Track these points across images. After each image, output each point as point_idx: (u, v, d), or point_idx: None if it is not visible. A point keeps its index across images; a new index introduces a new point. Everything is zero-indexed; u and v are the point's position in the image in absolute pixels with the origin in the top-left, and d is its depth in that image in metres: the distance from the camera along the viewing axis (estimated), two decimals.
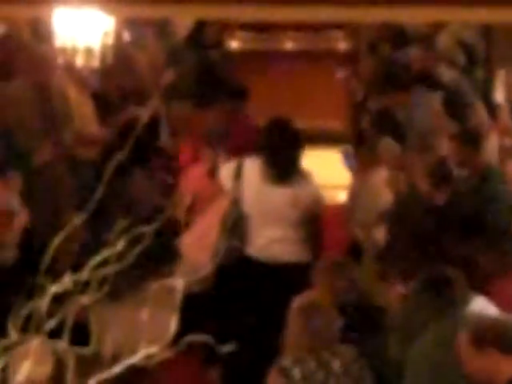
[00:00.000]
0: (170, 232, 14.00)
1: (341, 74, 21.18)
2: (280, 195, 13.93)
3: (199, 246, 14.35)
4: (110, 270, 5.83)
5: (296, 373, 11.24)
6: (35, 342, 6.08)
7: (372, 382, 11.40)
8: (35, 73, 16.12)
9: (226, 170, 14.11)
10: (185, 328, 10.54)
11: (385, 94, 16.99)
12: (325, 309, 11.69)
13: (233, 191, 14.21)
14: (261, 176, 13.84)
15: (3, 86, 15.64)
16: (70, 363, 6.07)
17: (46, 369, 6.57)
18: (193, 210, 14.90)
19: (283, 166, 13.93)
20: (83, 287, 5.78)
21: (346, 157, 18.78)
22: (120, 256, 5.85)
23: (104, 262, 5.76)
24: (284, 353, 11.67)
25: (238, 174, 14.11)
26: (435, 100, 15.99)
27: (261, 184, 13.98)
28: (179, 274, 13.37)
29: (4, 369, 5.95)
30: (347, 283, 12.34)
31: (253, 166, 14.01)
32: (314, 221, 14.33)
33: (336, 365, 11.35)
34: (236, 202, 14.19)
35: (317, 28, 22.44)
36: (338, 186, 17.79)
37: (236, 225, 14.38)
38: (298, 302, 11.55)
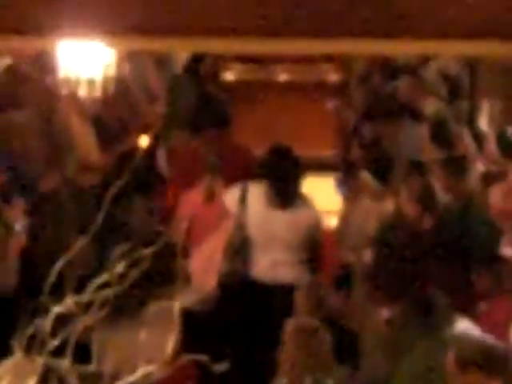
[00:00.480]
0: (169, 255, 12.88)
1: (331, 104, 21.30)
2: (283, 220, 14.52)
3: (205, 268, 14.75)
4: (110, 291, 6.03)
5: None
6: (17, 359, 6.34)
7: None
8: (40, 103, 16.21)
9: (231, 195, 14.57)
10: (187, 347, 11.01)
11: (374, 124, 17.23)
12: (320, 330, 12.01)
13: (237, 215, 14.64)
14: (265, 201, 14.46)
15: (10, 115, 15.55)
16: (73, 381, 6.14)
17: None
18: (190, 233, 14.95)
19: (286, 192, 14.49)
20: (85, 308, 5.97)
21: (340, 184, 18.93)
22: (120, 278, 6.11)
23: (105, 284, 5.94)
24: (280, 373, 11.78)
25: (242, 199, 14.68)
26: (422, 130, 16.49)
27: (264, 209, 14.59)
28: (184, 295, 12.84)
29: None
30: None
31: (256, 192, 14.55)
32: (314, 244, 14.86)
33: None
34: (240, 226, 14.55)
35: (309, 60, 22.81)
36: (332, 212, 17.89)
37: (240, 248, 14.84)
38: (293, 323, 12.05)
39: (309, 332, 12.15)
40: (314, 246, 14.88)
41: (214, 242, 14.80)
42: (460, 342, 11.03)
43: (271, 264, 14.61)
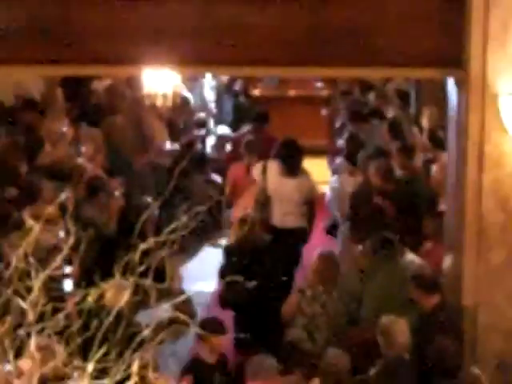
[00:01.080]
0: (217, 210, 14.50)
1: (324, 111, 20.95)
2: (290, 185, 14.49)
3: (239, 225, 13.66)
4: (177, 235, 5.48)
5: (308, 292, 11.54)
6: (117, 279, 5.75)
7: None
8: (131, 111, 16.71)
9: (257, 169, 14.67)
10: (228, 268, 12.37)
11: (353, 124, 16.99)
12: (335, 257, 12.22)
13: (261, 182, 14.58)
14: (278, 172, 14.49)
15: (112, 119, 15.88)
16: (153, 293, 5.60)
17: (123, 297, 5.85)
18: (234, 193, 14.98)
19: (292, 167, 14.44)
20: (161, 245, 5.54)
21: (329, 163, 18.24)
22: (184, 226, 5.54)
23: (174, 230, 5.46)
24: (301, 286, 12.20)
25: (264, 171, 14.60)
26: (384, 128, 16.32)
27: (278, 177, 14.55)
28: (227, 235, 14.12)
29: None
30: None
31: (273, 167, 14.57)
32: (311, 202, 14.74)
33: (335, 293, 11.64)
34: (263, 189, 14.52)
35: (308, 81, 22.53)
36: (324, 182, 16.88)
37: (264, 204, 14.50)
38: (319, 252, 12.18)
39: (327, 258, 12.18)
40: (311, 204, 14.67)
41: (246, 199, 14.35)
42: (407, 267, 11.42)
43: (283, 214, 14.41)
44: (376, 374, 9.91)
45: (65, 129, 14.08)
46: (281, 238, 13.50)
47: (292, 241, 13.76)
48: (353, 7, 10.24)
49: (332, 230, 14.62)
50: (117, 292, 6.40)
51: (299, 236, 14.00)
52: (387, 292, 11.04)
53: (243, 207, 13.95)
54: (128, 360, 5.24)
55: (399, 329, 9.72)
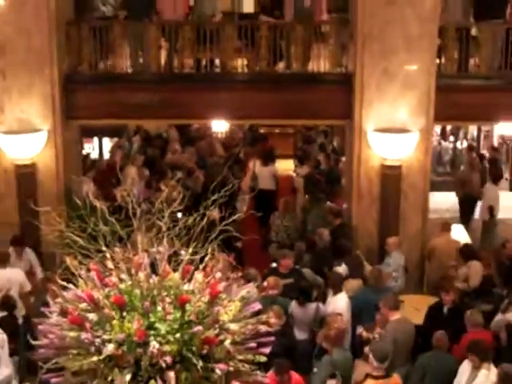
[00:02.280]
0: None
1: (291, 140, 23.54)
2: (266, 170, 17.04)
3: (246, 184, 16.90)
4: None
5: (279, 217, 13.96)
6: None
7: None
8: (207, 138, 19.77)
9: (251, 163, 17.97)
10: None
11: (304, 144, 20.81)
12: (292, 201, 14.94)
13: (252, 170, 17.31)
14: (259, 164, 17.13)
15: (200, 143, 19.25)
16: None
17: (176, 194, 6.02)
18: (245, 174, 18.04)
19: (267, 163, 17.01)
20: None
21: (295, 163, 19.75)
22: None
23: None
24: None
25: (254, 164, 17.40)
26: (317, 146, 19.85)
27: (259, 167, 17.27)
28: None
29: None
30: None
31: (258, 162, 17.13)
32: (275, 177, 17.11)
33: (292, 220, 14.14)
34: (253, 172, 17.28)
35: (283, 125, 22.90)
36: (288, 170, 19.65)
37: (255, 179, 17.02)
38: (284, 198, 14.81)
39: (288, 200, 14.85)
40: (275, 177, 17.10)
41: (247, 177, 17.43)
42: (327, 207, 14.23)
43: (264, 183, 16.61)
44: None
45: (177, 147, 18.38)
46: (264, 194, 16.07)
47: (269, 195, 16.59)
48: (300, 94, 13.02)
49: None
50: (171, 191, 6.33)
51: (272, 193, 16.78)
52: (316, 218, 13.96)
53: (246, 180, 17.10)
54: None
55: (324, 233, 12.42)
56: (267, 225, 14.75)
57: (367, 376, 8.56)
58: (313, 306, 10.61)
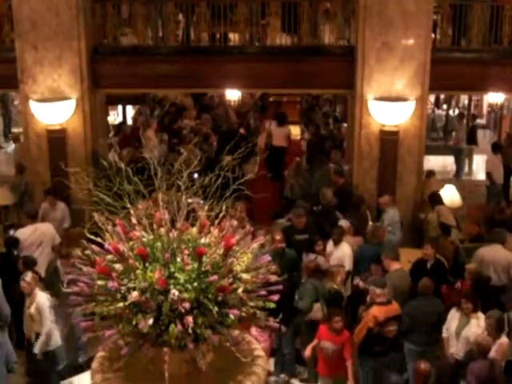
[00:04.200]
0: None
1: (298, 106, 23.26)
2: (280, 130, 17.63)
3: (262, 144, 17.37)
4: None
5: (292, 171, 14.41)
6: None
7: None
8: (222, 105, 19.45)
9: (267, 123, 17.81)
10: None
11: (308, 111, 20.50)
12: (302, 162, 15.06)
13: (268, 129, 17.39)
14: (275, 125, 17.77)
15: (215, 110, 19.33)
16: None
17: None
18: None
19: (281, 123, 17.19)
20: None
21: (302, 129, 19.91)
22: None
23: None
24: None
25: (270, 124, 17.55)
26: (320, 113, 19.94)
27: (275, 127, 17.77)
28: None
29: None
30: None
31: (273, 122, 17.31)
32: (288, 136, 17.90)
33: (301, 176, 14.32)
34: (269, 131, 17.48)
35: (291, 94, 23.16)
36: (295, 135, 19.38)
37: (269, 136, 17.20)
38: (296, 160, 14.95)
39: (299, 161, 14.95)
40: (288, 136, 17.43)
41: (263, 136, 17.72)
42: (330, 167, 14.09)
43: (277, 141, 16.98)
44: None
45: (194, 114, 18.70)
46: (276, 150, 16.80)
47: (281, 151, 17.06)
48: (307, 65, 13.02)
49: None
50: (189, 155, 6.20)
51: (283, 150, 17.20)
52: (321, 177, 13.85)
53: (262, 138, 17.59)
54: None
55: (327, 192, 12.26)
56: (280, 180, 15.45)
57: (372, 304, 8.88)
58: (312, 256, 10.61)
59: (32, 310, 8.99)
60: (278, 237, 10.21)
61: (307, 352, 8.87)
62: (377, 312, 8.78)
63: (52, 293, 9.17)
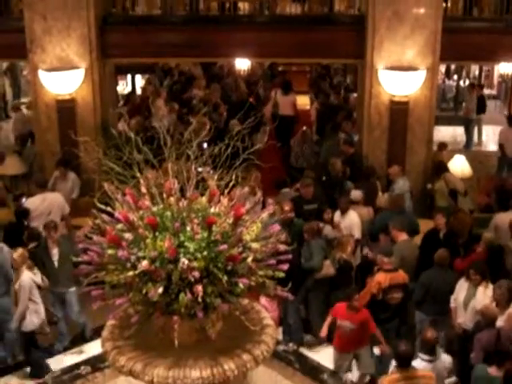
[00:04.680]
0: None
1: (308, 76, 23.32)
2: (286, 99, 17.49)
3: (268, 114, 17.19)
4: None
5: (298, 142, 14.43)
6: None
7: None
8: (232, 74, 19.27)
9: (273, 92, 17.92)
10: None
11: (319, 80, 20.31)
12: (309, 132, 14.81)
13: (274, 98, 17.11)
14: (280, 93, 17.45)
15: (225, 80, 19.08)
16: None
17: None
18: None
19: (286, 91, 16.96)
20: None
21: (310, 98, 19.99)
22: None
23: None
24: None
25: (275, 93, 17.13)
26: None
27: (280, 96, 17.64)
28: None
29: None
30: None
31: (278, 91, 16.90)
32: (295, 104, 17.76)
33: (309, 146, 14.50)
34: (275, 100, 17.62)
35: (300, 64, 23.03)
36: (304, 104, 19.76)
37: (276, 105, 16.99)
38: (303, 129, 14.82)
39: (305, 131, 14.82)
40: (295, 106, 17.23)
41: (270, 104, 17.49)
42: (340, 137, 14.10)
43: (284, 110, 16.82)
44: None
45: (203, 83, 18.52)
46: (284, 119, 16.46)
47: (289, 120, 16.84)
48: (316, 34, 12.88)
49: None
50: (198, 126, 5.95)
51: (291, 119, 17.03)
52: (332, 146, 13.85)
53: (268, 107, 17.43)
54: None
55: (336, 162, 12.28)
56: (287, 148, 15.36)
57: (379, 270, 9.04)
58: (320, 226, 10.55)
59: (16, 286, 8.98)
60: (287, 207, 10.21)
61: (323, 332, 8.80)
62: (382, 278, 8.92)
63: (43, 271, 9.28)
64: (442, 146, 13.97)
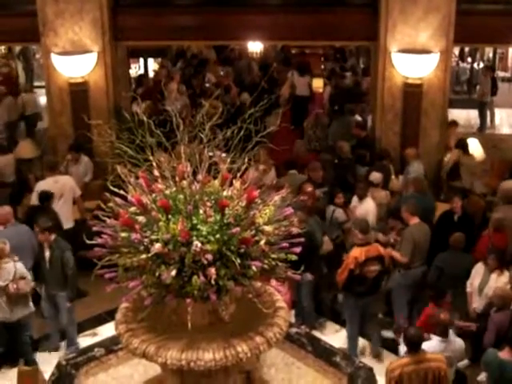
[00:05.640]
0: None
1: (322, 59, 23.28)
2: (301, 79, 17.13)
3: (286, 94, 17.50)
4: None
5: (311, 122, 14.69)
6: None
7: None
8: (245, 57, 19.47)
9: (289, 73, 17.38)
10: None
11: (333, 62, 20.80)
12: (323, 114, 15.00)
13: (291, 79, 17.20)
14: (297, 75, 17.24)
15: (239, 62, 19.25)
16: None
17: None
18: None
19: (302, 73, 17.22)
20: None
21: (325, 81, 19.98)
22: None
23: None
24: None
25: (292, 74, 17.26)
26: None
27: (297, 76, 17.27)
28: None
29: None
30: None
31: (295, 72, 17.13)
32: (311, 85, 17.70)
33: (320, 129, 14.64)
34: (292, 81, 17.26)
35: (313, 46, 22.90)
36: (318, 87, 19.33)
37: (293, 86, 17.13)
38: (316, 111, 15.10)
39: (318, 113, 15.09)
40: (311, 87, 17.66)
41: (287, 86, 17.51)
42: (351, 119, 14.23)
43: (300, 90, 17.04)
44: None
45: (217, 66, 18.73)
46: (299, 99, 16.97)
47: (304, 100, 17.16)
48: (329, 16, 12.79)
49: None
50: (211, 107, 5.87)
51: (306, 99, 17.33)
52: (340, 129, 14.05)
53: (285, 88, 17.45)
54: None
55: (344, 145, 12.46)
56: (301, 131, 15.38)
57: (353, 245, 9.24)
58: (331, 208, 10.72)
59: None
60: (309, 188, 10.33)
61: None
62: (357, 253, 9.08)
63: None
64: (453, 123, 13.83)
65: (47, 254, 9.52)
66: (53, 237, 9.44)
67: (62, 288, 9.56)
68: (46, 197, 10.91)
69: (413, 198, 10.57)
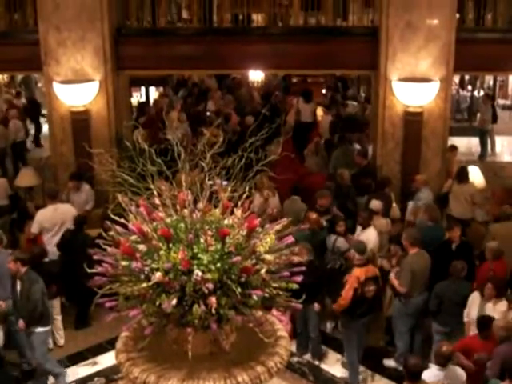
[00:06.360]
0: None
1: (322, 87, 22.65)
2: (306, 106, 17.34)
3: (291, 120, 17.54)
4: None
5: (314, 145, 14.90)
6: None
7: None
8: (246, 86, 19.42)
9: (295, 101, 17.85)
10: None
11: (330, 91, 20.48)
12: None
13: (296, 106, 17.53)
14: (302, 102, 17.41)
15: (239, 91, 19.08)
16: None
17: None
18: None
19: (307, 100, 17.34)
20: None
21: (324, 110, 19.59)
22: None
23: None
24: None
25: (297, 102, 17.62)
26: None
27: (302, 104, 17.43)
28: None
29: None
30: None
31: (300, 100, 17.32)
32: (314, 112, 17.83)
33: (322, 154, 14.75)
34: (297, 108, 17.43)
35: (314, 75, 22.80)
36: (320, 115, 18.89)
37: (298, 113, 17.38)
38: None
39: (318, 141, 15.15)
40: (314, 112, 17.91)
41: (292, 112, 17.78)
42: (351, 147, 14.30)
43: (305, 116, 17.27)
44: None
45: (219, 93, 18.55)
46: (303, 125, 17.05)
47: (308, 126, 17.19)
48: (330, 45, 12.89)
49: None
50: (212, 135, 5.86)
51: (310, 125, 17.36)
52: (342, 157, 13.94)
53: (291, 114, 17.47)
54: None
55: (344, 173, 12.24)
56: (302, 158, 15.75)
57: (353, 266, 9.35)
58: (332, 238, 10.64)
59: None
60: (313, 216, 10.39)
61: None
62: (358, 273, 9.18)
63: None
64: (453, 148, 13.79)
65: (18, 286, 9.16)
66: (24, 269, 9.04)
67: (32, 323, 9.00)
68: (84, 221, 10.91)
69: (421, 228, 10.54)
